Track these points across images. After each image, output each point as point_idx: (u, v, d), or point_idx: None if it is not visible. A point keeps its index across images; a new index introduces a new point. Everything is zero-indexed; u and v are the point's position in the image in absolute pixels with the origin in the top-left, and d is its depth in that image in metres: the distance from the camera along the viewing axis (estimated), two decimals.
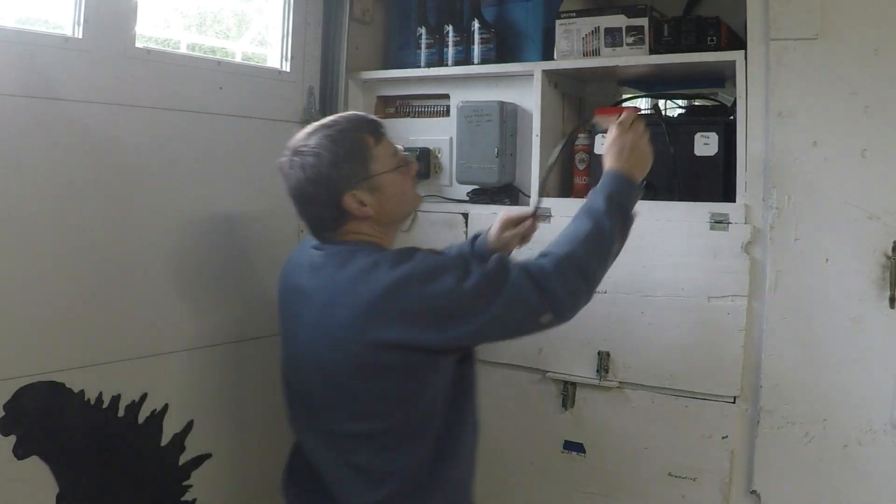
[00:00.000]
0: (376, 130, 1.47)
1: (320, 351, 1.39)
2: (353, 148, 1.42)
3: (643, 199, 1.82)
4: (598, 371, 1.87)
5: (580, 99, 2.18)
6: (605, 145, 1.54)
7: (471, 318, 1.31)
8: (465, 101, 2.10)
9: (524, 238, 1.72)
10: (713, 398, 1.75)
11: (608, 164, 1.52)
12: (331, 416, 1.42)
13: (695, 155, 1.80)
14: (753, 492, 1.71)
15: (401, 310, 1.31)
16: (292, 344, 1.49)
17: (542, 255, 1.40)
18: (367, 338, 1.33)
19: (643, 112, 1.98)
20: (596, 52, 1.91)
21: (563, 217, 1.86)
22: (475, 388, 1.48)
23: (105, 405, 1.76)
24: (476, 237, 1.75)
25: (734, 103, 1.75)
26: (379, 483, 1.39)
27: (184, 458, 1.94)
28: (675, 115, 2.06)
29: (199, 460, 1.97)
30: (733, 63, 1.73)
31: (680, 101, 2.14)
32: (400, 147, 1.53)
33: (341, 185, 1.41)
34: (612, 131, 1.53)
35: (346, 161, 1.41)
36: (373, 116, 1.54)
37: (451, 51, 2.17)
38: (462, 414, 1.44)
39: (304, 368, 1.45)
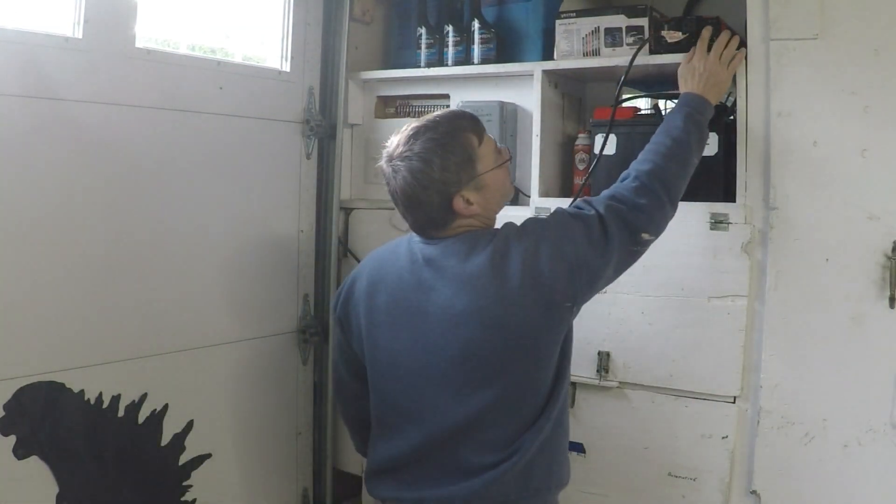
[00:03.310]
0: (478, 128, 1.48)
1: (465, 332, 1.41)
2: (462, 152, 1.44)
3: None
4: (598, 371, 1.87)
5: (580, 99, 2.17)
6: (681, 67, 1.67)
7: (596, 260, 1.43)
8: (465, 101, 2.10)
9: None
10: (713, 398, 1.75)
11: (683, 86, 1.63)
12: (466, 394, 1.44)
13: None
14: (753, 492, 1.71)
15: (540, 272, 1.39)
16: (413, 338, 1.47)
17: (625, 175, 1.53)
18: (521, 306, 1.39)
19: (643, 112, 1.99)
20: (596, 52, 1.91)
21: None
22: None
23: (105, 405, 1.76)
24: None
25: (734, 103, 1.75)
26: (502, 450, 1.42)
27: (184, 458, 1.95)
28: None
29: (199, 460, 1.98)
30: None
31: None
32: (494, 139, 1.54)
33: (452, 189, 1.43)
34: (692, 55, 1.66)
35: (456, 165, 1.43)
36: (469, 112, 1.55)
37: (451, 51, 2.17)
38: (566, 380, 1.49)
39: (434, 354, 1.45)
